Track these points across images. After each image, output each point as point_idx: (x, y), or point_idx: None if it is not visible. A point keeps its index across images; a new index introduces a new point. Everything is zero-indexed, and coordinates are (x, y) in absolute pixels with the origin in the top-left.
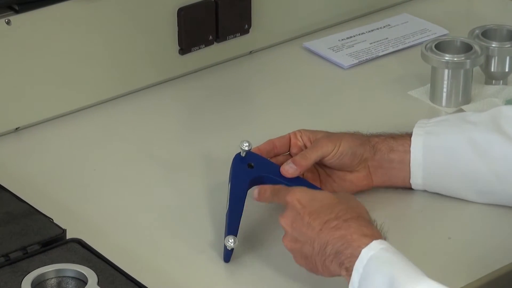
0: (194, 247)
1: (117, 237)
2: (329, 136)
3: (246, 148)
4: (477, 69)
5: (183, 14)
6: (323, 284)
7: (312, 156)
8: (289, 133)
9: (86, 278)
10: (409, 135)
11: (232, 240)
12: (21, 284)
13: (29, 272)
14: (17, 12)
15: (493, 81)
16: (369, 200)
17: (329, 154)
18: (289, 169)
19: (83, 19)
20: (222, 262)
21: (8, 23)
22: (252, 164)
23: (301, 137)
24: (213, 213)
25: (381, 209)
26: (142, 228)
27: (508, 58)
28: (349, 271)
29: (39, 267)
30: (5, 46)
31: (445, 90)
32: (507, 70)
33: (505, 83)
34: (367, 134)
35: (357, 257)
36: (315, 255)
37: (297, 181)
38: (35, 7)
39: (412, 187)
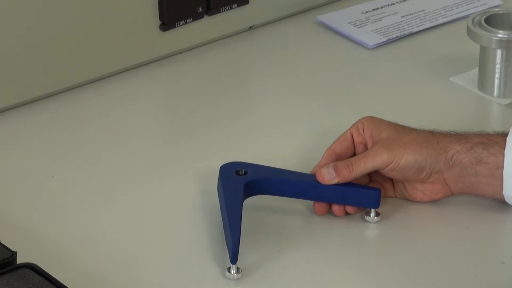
0: (178, 273)
1: (81, 261)
2: (390, 143)
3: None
4: None
5: None
6: None
7: (359, 168)
8: (350, 130)
9: None
10: (505, 137)
11: (236, 271)
12: None
13: None
14: None
15: None
16: (402, 211)
17: (385, 168)
18: (326, 175)
19: None
20: None
21: None
22: (244, 170)
23: (363, 131)
24: (201, 228)
25: (418, 222)
26: (112, 249)
27: None
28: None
29: None
30: None
31: (497, 76)
32: None
33: None
34: (445, 134)
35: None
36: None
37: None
38: None
39: (506, 200)
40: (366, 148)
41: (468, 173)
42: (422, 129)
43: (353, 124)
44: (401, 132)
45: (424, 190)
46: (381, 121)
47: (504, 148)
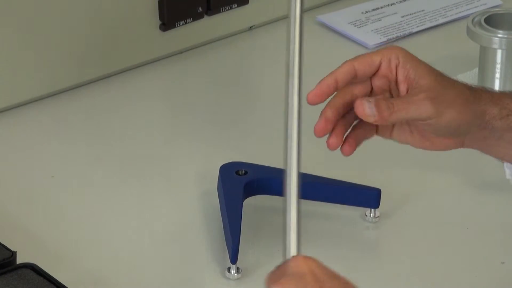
0: (179, 273)
1: (81, 261)
2: (436, 96)
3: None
4: None
5: None
6: None
7: (399, 114)
8: (380, 57)
9: None
10: None
11: (236, 271)
12: None
13: None
14: None
15: None
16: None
17: (425, 121)
18: (367, 109)
19: None
20: None
21: None
22: (244, 170)
23: (396, 68)
24: (201, 228)
25: (418, 222)
26: (112, 249)
27: None
28: None
29: None
30: None
31: (497, 75)
32: None
33: None
34: (481, 95)
35: None
36: None
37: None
38: None
39: None
40: (388, 82)
41: (493, 137)
42: (457, 80)
43: (384, 51)
44: (443, 83)
45: (435, 141)
46: (419, 63)
47: None
